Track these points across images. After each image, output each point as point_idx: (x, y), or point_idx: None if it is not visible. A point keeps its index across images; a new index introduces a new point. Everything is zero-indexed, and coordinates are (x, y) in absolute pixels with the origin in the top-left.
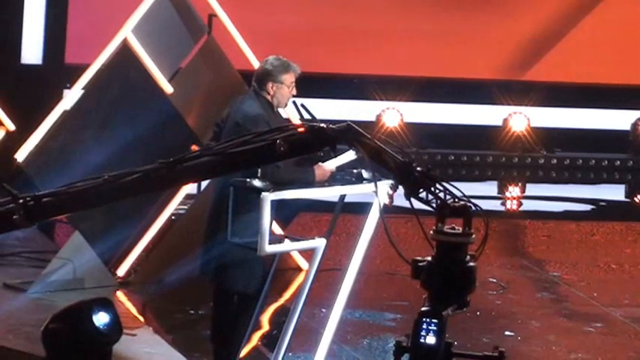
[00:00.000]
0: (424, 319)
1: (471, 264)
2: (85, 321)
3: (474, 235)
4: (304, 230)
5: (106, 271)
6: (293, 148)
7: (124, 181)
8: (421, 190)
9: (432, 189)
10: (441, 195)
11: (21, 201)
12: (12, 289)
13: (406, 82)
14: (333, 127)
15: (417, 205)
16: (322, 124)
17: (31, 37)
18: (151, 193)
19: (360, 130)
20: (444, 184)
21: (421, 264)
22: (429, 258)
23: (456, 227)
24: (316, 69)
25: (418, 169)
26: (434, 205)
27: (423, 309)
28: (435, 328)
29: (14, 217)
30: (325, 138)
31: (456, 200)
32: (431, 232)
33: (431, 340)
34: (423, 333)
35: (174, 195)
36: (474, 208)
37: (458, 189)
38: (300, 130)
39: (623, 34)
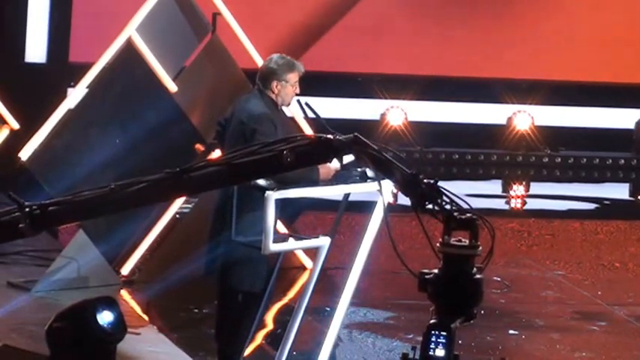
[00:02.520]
0: (433, 332)
1: (478, 276)
2: (89, 320)
3: (480, 248)
4: (308, 229)
5: (110, 269)
6: (299, 159)
7: (130, 190)
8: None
9: (439, 201)
10: (448, 207)
11: (27, 209)
12: (16, 287)
13: (410, 81)
14: (340, 138)
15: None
16: (329, 136)
17: (35, 35)
18: (157, 202)
19: (367, 141)
20: (451, 195)
21: (428, 276)
22: (436, 270)
23: (463, 239)
24: (320, 67)
25: (425, 181)
26: (440, 217)
27: (432, 322)
28: (443, 340)
29: (20, 225)
30: (332, 149)
31: (463, 213)
32: (437, 244)
33: (440, 352)
34: (432, 346)
35: None
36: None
37: (465, 201)
38: (307, 141)
39: (627, 32)
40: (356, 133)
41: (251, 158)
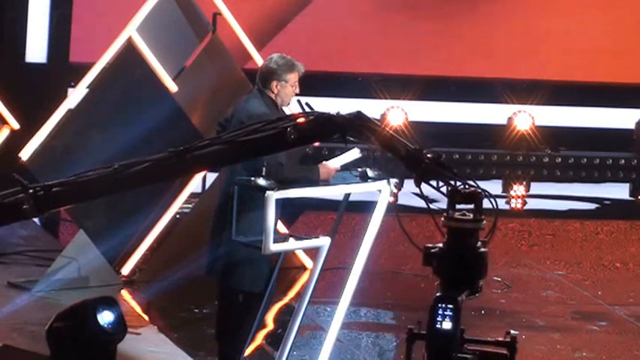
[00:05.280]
0: (439, 305)
1: (482, 249)
2: (90, 320)
3: (484, 221)
4: (309, 229)
5: (110, 269)
6: (303, 136)
7: (134, 170)
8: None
9: (443, 176)
10: (451, 182)
11: (30, 191)
12: (16, 287)
13: (411, 81)
14: (343, 115)
15: (418, 199)
16: (332, 112)
17: (35, 35)
18: (160, 182)
19: (370, 117)
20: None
21: (433, 250)
22: (441, 245)
23: (466, 214)
24: (320, 67)
25: (429, 156)
26: (444, 191)
27: (438, 295)
28: (450, 313)
29: (24, 207)
30: (335, 126)
31: (466, 187)
32: (442, 218)
33: (447, 325)
34: (439, 319)
35: (179, 194)
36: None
37: (469, 178)
38: (310, 118)
39: (627, 32)
40: (359, 109)
41: (254, 136)
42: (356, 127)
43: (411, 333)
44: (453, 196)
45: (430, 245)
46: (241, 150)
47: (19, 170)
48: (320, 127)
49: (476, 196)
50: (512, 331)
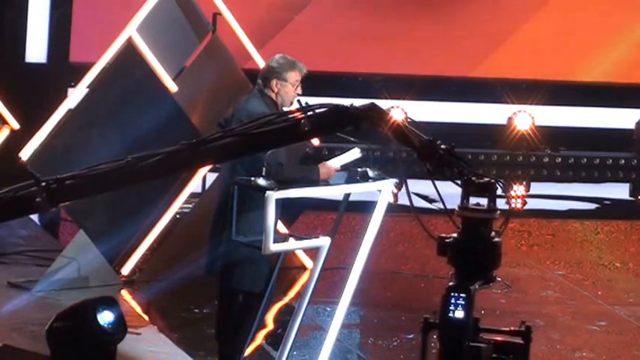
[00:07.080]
0: (452, 294)
1: (496, 239)
2: (90, 320)
3: (498, 211)
4: (309, 229)
5: (110, 269)
6: (316, 128)
7: (146, 163)
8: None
9: (457, 167)
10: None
11: (43, 184)
12: (16, 287)
13: (411, 81)
14: (357, 106)
15: (419, 199)
16: (345, 104)
17: (35, 35)
18: (172, 174)
19: (384, 109)
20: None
21: (447, 240)
22: (455, 234)
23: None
24: (321, 68)
25: (442, 146)
26: (458, 182)
27: (451, 284)
28: (463, 302)
29: (37, 199)
30: (349, 117)
31: (481, 177)
32: (456, 208)
33: (460, 314)
34: (452, 307)
35: (179, 194)
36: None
37: (480, 169)
38: (324, 109)
39: (627, 33)
40: (372, 101)
41: (268, 128)
42: (369, 118)
43: (426, 322)
44: (468, 187)
45: (444, 235)
46: (254, 142)
47: (19, 170)
48: (334, 118)
49: (490, 187)
50: (527, 322)
